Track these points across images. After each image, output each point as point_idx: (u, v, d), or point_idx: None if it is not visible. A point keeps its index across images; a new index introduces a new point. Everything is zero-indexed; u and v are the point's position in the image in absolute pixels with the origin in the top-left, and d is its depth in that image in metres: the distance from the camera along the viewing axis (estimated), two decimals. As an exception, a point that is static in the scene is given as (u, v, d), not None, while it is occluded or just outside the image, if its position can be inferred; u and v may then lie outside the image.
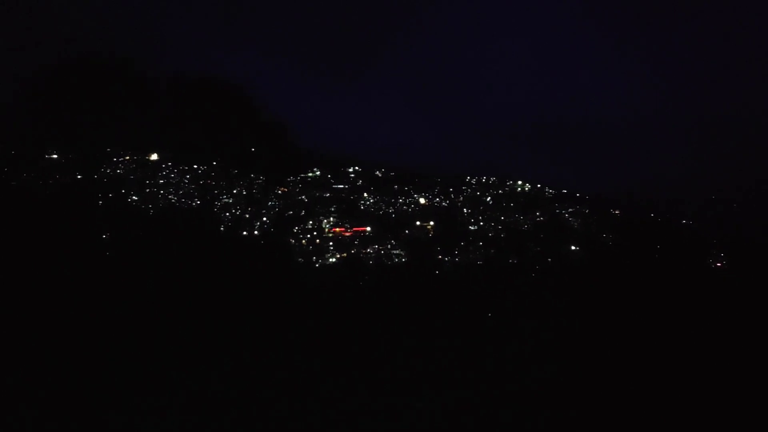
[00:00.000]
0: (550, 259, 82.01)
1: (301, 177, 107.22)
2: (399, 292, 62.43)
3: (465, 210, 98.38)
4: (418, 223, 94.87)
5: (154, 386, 28.79)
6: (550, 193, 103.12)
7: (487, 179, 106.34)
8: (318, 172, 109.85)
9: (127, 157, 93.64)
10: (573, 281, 70.06)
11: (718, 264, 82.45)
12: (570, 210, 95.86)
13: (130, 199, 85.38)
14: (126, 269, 55.45)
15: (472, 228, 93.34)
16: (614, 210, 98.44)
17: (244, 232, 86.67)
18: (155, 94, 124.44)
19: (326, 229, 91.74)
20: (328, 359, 36.50)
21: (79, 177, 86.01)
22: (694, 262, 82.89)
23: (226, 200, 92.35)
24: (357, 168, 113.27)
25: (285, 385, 30.87)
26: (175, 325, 40.06)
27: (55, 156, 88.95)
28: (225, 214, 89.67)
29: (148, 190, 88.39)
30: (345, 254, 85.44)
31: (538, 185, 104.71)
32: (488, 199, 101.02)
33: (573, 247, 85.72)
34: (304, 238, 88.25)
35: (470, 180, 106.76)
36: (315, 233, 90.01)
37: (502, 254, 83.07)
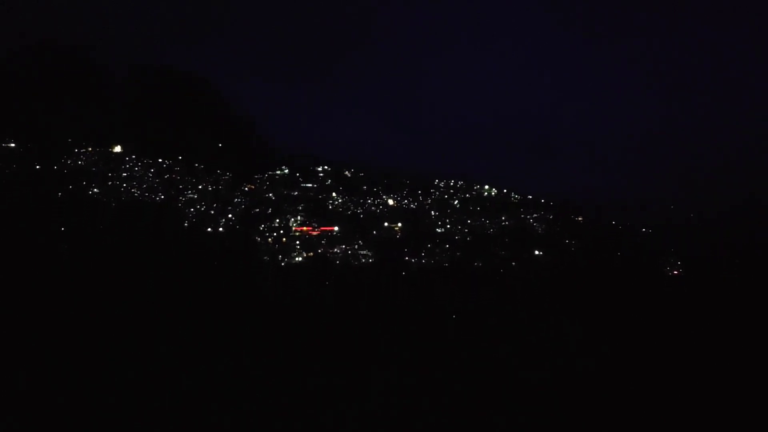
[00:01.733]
0: (514, 263, 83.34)
1: (268, 175, 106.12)
2: (365, 293, 62.48)
3: (433, 212, 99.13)
4: (386, 224, 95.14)
5: (106, 382, 28.11)
6: (516, 198, 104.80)
7: (455, 183, 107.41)
8: (286, 170, 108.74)
9: (89, 149, 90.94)
10: (537, 285, 71.35)
11: (675, 272, 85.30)
12: (535, 215, 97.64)
13: (92, 191, 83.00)
14: (84, 263, 54.00)
15: (439, 230, 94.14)
16: (577, 216, 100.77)
17: (209, 229, 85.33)
18: (121, 85, 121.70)
19: (293, 228, 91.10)
20: (290, 357, 36.26)
21: (38, 167, 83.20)
22: (651, 268, 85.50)
23: (191, 195, 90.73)
24: (326, 167, 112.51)
25: (244, 381, 30.53)
26: (134, 320, 39.16)
27: (12, 145, 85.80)
28: (190, 210, 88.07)
29: (110, 183, 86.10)
30: (311, 253, 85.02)
31: (504, 190, 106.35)
32: (455, 202, 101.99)
33: (537, 252, 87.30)
34: (270, 236, 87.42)
35: (438, 183, 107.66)
36: (282, 232, 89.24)
37: (468, 257, 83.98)
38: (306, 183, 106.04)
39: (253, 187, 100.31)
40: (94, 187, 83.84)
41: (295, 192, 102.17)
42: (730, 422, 29.47)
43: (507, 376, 36.10)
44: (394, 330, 48.24)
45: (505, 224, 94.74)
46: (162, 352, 33.84)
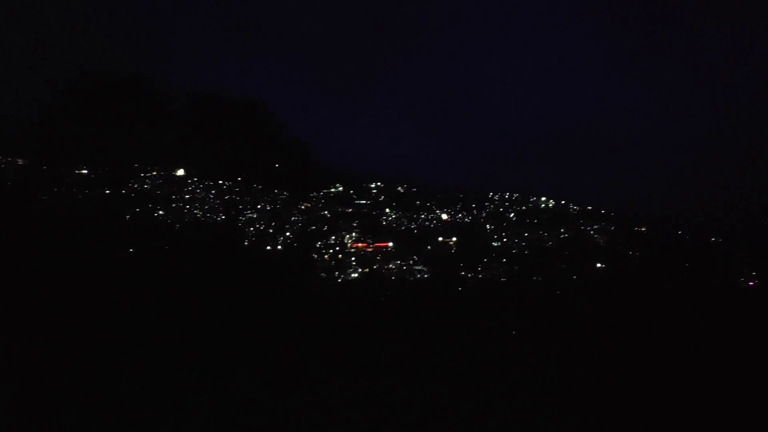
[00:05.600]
0: (575, 277, 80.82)
1: (323, 192, 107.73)
2: (421, 308, 62.08)
3: (488, 226, 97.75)
4: (440, 238, 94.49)
5: (171, 394, 29.06)
6: (575, 209, 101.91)
7: (510, 195, 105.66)
8: (340, 188, 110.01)
9: (154, 173, 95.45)
10: (599, 299, 68.88)
11: (750, 283, 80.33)
12: (595, 227, 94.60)
13: (157, 213, 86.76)
14: (152, 283, 56.24)
15: (495, 244, 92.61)
16: (640, 227, 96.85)
17: (268, 247, 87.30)
18: (182, 110, 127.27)
19: (348, 244, 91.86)
20: (349, 373, 36.39)
21: (107, 192, 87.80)
22: (723, 280, 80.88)
23: (251, 215, 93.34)
24: (379, 183, 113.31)
25: (303, 396, 30.84)
26: (200, 337, 40.41)
27: (84, 171, 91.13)
28: (249, 229, 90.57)
29: (174, 205, 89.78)
30: (367, 269, 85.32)
31: (562, 201, 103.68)
32: (511, 215, 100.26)
33: (599, 264, 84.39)
34: (326, 253, 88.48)
35: (493, 196, 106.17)
36: (337, 248, 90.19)
37: (526, 271, 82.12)
38: (360, 200, 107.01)
39: (309, 205, 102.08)
40: (159, 209, 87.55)
41: (349, 209, 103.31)
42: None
43: (571, 396, 34.90)
44: (452, 346, 47.64)
45: (564, 236, 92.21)
46: (229, 368, 34.72)
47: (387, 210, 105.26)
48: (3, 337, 34.19)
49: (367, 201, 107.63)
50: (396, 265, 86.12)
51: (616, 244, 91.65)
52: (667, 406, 33.12)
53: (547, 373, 40.81)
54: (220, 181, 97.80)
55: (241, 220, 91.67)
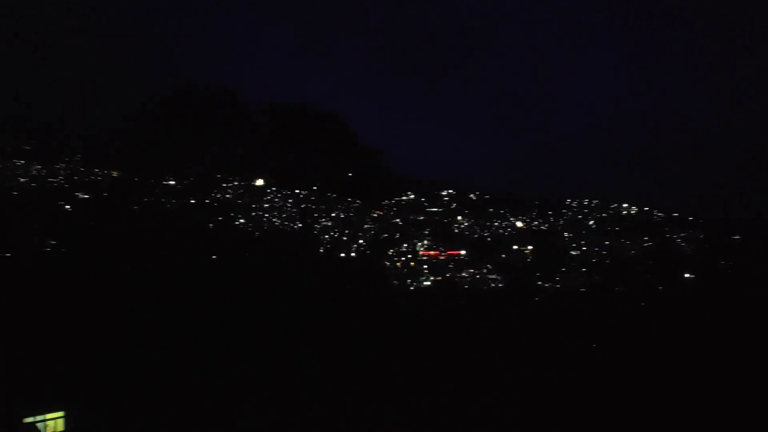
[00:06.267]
0: (660, 287, 76.57)
1: (395, 200, 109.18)
2: (495, 318, 60.87)
3: (566, 234, 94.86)
4: (515, 247, 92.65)
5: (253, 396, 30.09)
6: (659, 216, 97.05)
7: (590, 202, 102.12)
8: (412, 196, 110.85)
9: (235, 183, 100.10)
10: (687, 311, 64.82)
11: None
12: (682, 234, 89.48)
13: (238, 222, 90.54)
14: (233, 288, 58.57)
15: (574, 253, 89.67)
16: (733, 235, 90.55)
17: (342, 254, 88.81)
18: (261, 122, 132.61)
19: (420, 252, 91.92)
20: (423, 383, 36.18)
21: (192, 201, 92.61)
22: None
23: (325, 223, 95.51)
24: (451, 191, 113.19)
25: (376, 403, 30.96)
26: (279, 340, 41.57)
27: (172, 182, 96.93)
28: (324, 237, 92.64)
29: (254, 214, 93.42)
30: (439, 277, 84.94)
31: (646, 208, 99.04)
32: (591, 222, 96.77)
33: (687, 275, 79.54)
34: (398, 261, 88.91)
35: (571, 202, 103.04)
36: (409, 256, 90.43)
37: (608, 281, 78.73)
38: (432, 207, 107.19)
39: (381, 213, 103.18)
40: (240, 218, 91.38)
41: (421, 217, 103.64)
42: None
43: (660, 414, 32.95)
44: (528, 358, 46.34)
45: (648, 245, 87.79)
46: (306, 372, 35.50)
47: (459, 218, 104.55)
48: (112, 332, 36.64)
49: (438, 209, 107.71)
50: (469, 273, 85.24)
51: (706, 253, 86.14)
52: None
53: (630, 390, 38.82)
54: (297, 190, 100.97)
55: (316, 228, 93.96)
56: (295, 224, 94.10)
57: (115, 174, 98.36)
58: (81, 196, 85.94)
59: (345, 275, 74.45)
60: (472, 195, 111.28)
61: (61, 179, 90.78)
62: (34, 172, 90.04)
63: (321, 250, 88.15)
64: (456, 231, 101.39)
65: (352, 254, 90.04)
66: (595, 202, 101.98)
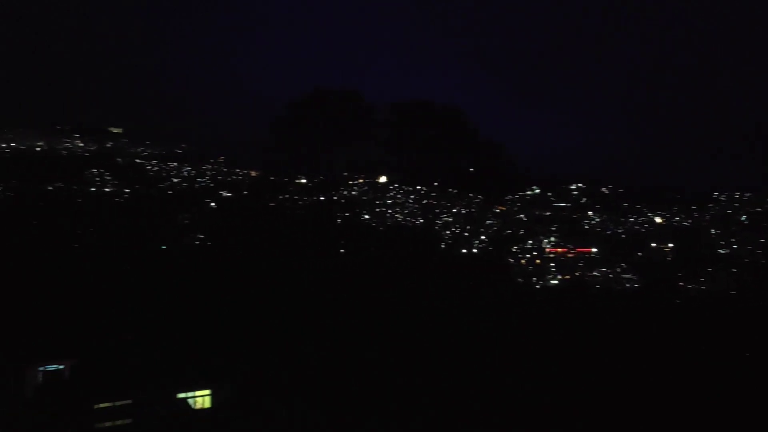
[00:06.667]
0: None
1: (519, 195, 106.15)
2: (629, 321, 56.97)
3: (712, 230, 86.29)
4: (653, 244, 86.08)
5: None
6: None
7: (741, 195, 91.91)
8: (537, 190, 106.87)
9: (360, 180, 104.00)
10: None
11: None
12: None
13: (363, 217, 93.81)
14: (358, 280, 60.88)
15: (722, 251, 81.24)
16: None
17: (463, 250, 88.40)
18: (383, 121, 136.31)
19: (546, 249, 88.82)
20: (548, 385, 34.82)
21: (321, 198, 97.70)
22: None
23: (447, 219, 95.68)
24: (580, 185, 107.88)
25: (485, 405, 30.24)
26: (394, 333, 42.38)
27: (303, 180, 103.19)
28: (446, 232, 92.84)
29: (378, 210, 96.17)
30: (568, 276, 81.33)
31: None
32: (743, 217, 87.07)
33: None
34: (523, 258, 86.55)
35: (718, 196, 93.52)
36: (535, 253, 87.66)
37: (761, 282, 70.34)
38: (559, 202, 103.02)
39: (504, 208, 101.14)
40: (364, 214, 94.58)
41: (547, 212, 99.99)
42: None
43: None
44: (664, 366, 42.73)
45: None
46: (420, 368, 35.86)
47: (590, 213, 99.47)
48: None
49: (566, 203, 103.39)
50: (601, 272, 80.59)
51: None
52: None
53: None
54: (419, 187, 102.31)
55: (437, 223, 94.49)
56: (417, 220, 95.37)
57: (253, 174, 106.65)
58: (224, 194, 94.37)
59: (467, 271, 74.04)
60: (604, 189, 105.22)
61: (207, 179, 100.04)
62: (185, 173, 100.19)
63: (442, 246, 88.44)
64: (586, 227, 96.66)
65: (474, 250, 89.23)
66: (747, 195, 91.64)
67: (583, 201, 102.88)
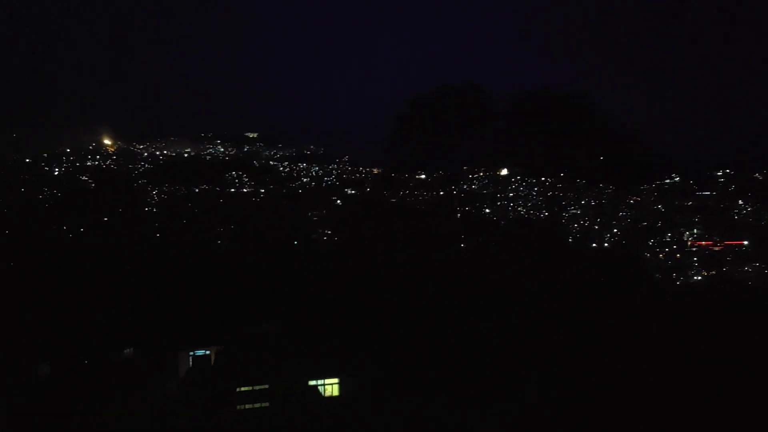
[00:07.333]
0: None
1: (656, 185, 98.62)
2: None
3: None
4: (820, 237, 75.95)
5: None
6: None
7: None
8: (677, 178, 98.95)
9: (480, 174, 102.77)
10: None
11: None
12: None
13: (484, 211, 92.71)
14: (478, 275, 60.42)
15: None
16: None
17: (594, 244, 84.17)
18: (505, 112, 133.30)
19: (689, 242, 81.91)
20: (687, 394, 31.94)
21: (441, 193, 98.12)
22: None
23: (574, 211, 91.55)
24: (728, 171, 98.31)
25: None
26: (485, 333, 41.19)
27: (422, 176, 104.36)
28: (573, 226, 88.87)
29: (499, 203, 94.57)
30: (713, 272, 74.38)
31: None
32: None
33: None
34: (661, 252, 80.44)
35: None
36: (674, 246, 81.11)
37: None
38: (702, 191, 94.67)
39: (638, 198, 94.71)
40: (485, 207, 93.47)
41: (689, 202, 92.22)
42: None
43: None
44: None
45: None
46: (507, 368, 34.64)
47: (740, 202, 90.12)
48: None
49: (712, 192, 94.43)
50: (753, 267, 72.80)
51: None
52: None
53: None
54: (543, 178, 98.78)
55: (564, 216, 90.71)
56: (542, 213, 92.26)
57: (375, 171, 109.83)
58: (349, 191, 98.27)
59: (598, 266, 70.35)
60: (757, 174, 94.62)
61: (333, 178, 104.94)
62: (313, 173, 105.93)
63: (570, 240, 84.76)
64: (736, 217, 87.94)
65: (605, 244, 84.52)
66: None
67: (731, 188, 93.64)
